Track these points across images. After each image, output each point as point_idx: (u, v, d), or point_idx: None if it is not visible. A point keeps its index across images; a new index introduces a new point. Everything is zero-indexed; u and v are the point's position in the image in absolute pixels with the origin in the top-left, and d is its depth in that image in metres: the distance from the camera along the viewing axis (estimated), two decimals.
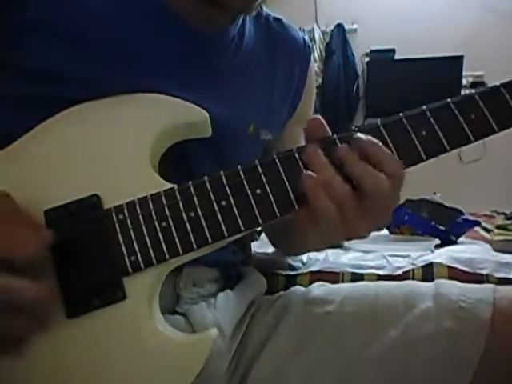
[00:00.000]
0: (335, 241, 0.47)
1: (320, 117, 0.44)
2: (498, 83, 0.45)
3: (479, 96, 0.44)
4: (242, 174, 0.44)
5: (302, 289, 0.66)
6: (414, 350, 0.53)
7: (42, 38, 0.47)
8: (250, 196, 0.43)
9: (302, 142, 0.62)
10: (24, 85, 0.47)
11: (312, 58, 0.70)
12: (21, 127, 0.46)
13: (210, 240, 0.43)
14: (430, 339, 0.53)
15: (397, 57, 2.99)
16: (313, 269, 0.81)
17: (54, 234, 0.41)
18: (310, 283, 0.71)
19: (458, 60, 2.79)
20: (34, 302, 0.38)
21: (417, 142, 0.43)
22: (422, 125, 0.44)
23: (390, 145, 0.43)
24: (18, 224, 0.41)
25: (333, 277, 0.77)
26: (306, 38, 0.70)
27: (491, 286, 0.57)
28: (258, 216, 0.43)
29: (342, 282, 0.77)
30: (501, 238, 0.95)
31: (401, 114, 0.44)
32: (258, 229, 1.15)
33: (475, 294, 0.55)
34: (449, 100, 0.45)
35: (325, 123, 0.44)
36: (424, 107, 0.45)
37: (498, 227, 1.03)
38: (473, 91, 0.45)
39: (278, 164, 0.44)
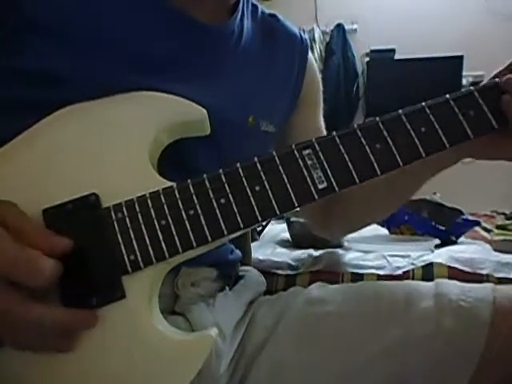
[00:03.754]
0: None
1: None
2: (496, 80, 0.45)
3: (478, 92, 0.44)
4: (240, 171, 0.43)
5: (302, 289, 0.66)
6: (414, 349, 0.53)
7: (40, 39, 0.47)
8: (249, 193, 0.43)
9: (320, 123, 0.59)
10: (23, 87, 0.47)
11: (309, 50, 0.70)
12: (20, 130, 0.46)
13: (209, 238, 0.42)
14: (430, 339, 0.53)
15: (397, 57, 2.99)
16: (313, 269, 0.81)
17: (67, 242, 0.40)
18: (310, 283, 0.70)
19: (458, 60, 2.79)
20: (37, 323, 0.38)
21: (416, 139, 0.43)
22: (420, 122, 0.44)
23: (390, 142, 0.43)
24: (27, 239, 0.38)
25: (333, 277, 0.77)
26: (302, 32, 0.70)
27: (491, 285, 0.57)
28: (258, 213, 0.43)
29: (342, 281, 0.77)
30: (501, 237, 0.95)
31: (400, 111, 0.44)
32: (259, 228, 1.15)
33: (475, 293, 0.55)
34: (448, 96, 0.44)
35: None
36: (423, 104, 0.44)
37: (498, 227, 1.03)
38: (471, 87, 0.45)
39: (278, 161, 0.43)
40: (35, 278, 0.36)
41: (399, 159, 0.43)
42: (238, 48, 0.59)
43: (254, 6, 0.65)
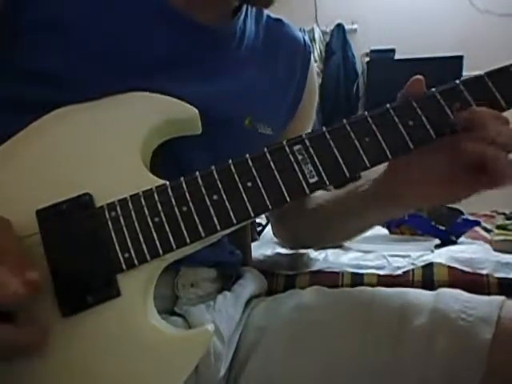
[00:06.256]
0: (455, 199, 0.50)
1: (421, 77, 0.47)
2: (482, 72, 0.46)
3: (463, 85, 0.46)
4: (232, 168, 0.44)
5: (297, 292, 0.65)
6: (407, 370, 0.49)
7: (41, 39, 0.47)
8: (242, 189, 0.43)
9: None
10: (23, 86, 0.47)
11: (312, 57, 0.70)
12: (18, 129, 0.46)
13: (202, 234, 0.43)
14: (423, 360, 0.49)
15: (397, 57, 2.99)
16: (313, 269, 0.80)
17: (37, 275, 0.37)
18: (310, 283, 0.70)
19: (458, 60, 2.79)
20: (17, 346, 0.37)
21: (404, 132, 0.45)
22: (408, 115, 0.45)
23: (378, 135, 0.45)
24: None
25: (333, 277, 0.77)
26: (306, 37, 0.70)
27: (500, 300, 0.52)
28: (250, 209, 0.43)
29: (342, 282, 0.76)
30: (501, 237, 0.95)
31: (387, 105, 0.46)
32: (259, 228, 1.15)
33: (477, 311, 0.50)
34: (433, 90, 0.46)
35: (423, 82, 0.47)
36: (410, 99, 0.46)
37: (498, 227, 1.03)
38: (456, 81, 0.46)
39: (269, 157, 0.44)
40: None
41: (388, 152, 0.45)
42: (239, 49, 0.59)
43: (259, 10, 0.65)
